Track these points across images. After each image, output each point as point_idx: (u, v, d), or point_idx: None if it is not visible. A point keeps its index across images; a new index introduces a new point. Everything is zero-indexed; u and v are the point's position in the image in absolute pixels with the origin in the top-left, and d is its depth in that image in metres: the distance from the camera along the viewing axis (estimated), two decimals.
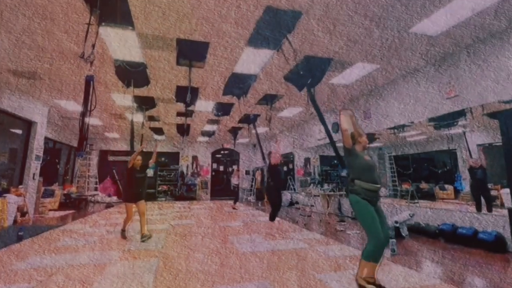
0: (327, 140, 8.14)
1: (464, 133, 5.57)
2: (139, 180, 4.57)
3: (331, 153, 9.86)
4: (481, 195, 4.85)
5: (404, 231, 4.70)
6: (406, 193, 6.79)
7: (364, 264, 2.36)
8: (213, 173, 14.74)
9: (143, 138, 9.62)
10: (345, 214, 7.10)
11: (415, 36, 4.07)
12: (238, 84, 5.93)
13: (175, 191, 13.31)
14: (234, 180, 9.71)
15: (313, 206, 8.10)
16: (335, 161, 9.88)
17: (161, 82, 5.91)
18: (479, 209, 4.77)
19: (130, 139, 7.13)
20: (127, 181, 4.67)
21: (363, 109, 6.69)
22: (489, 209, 4.53)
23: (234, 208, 8.88)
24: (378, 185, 2.48)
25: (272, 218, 4.94)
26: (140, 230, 4.45)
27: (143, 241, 4.29)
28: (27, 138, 7.23)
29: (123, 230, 4.62)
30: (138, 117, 8.24)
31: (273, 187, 5.13)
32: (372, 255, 2.32)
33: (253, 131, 9.07)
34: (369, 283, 2.28)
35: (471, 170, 5.11)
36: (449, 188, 6.72)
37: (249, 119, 9.15)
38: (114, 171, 13.03)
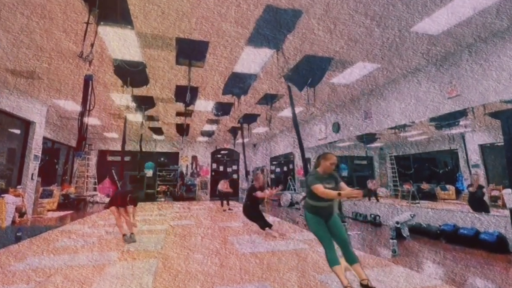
0: (328, 140, 8.17)
1: (463, 136, 5.58)
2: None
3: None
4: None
5: (405, 232, 4.70)
6: (407, 193, 6.78)
7: (333, 270, 2.52)
8: (213, 173, 14.74)
9: (142, 138, 9.62)
10: (346, 215, 7.09)
11: (416, 35, 4.07)
12: (238, 83, 5.93)
13: (174, 192, 13.30)
14: (220, 187, 9.55)
15: None
16: None
17: (160, 82, 5.91)
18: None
19: (123, 138, 7.13)
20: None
21: (364, 109, 6.69)
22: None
23: (224, 210, 8.87)
24: (326, 203, 2.63)
25: (263, 228, 5.01)
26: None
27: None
28: (26, 138, 7.23)
29: (132, 233, 4.50)
30: (138, 117, 8.24)
31: (250, 207, 5.23)
32: (328, 260, 2.54)
33: (254, 131, 9.10)
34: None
35: (471, 193, 5.14)
36: (451, 188, 6.71)
37: (249, 119, 9.15)
38: (113, 171, 13.03)
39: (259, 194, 5.13)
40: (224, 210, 8.80)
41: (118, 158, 13.23)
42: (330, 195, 2.44)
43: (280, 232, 4.96)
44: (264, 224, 4.99)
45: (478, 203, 4.86)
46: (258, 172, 5.63)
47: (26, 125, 7.24)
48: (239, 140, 12.87)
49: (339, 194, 2.37)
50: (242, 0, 3.31)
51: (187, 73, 5.34)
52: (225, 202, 9.19)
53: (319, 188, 2.46)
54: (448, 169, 6.78)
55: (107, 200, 11.45)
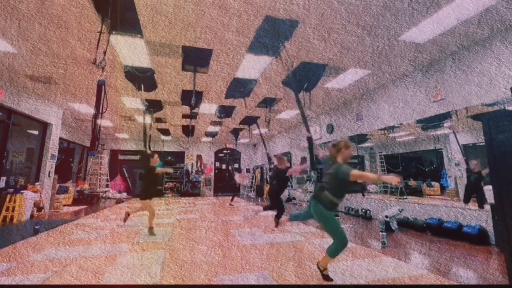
0: (323, 140, 8.17)
1: (455, 134, 5.55)
2: (156, 180, 4.54)
3: (326, 152, 9.87)
4: (474, 194, 4.86)
5: (394, 225, 4.70)
6: (396, 189, 6.78)
7: (327, 258, 2.52)
8: (216, 171, 14.75)
9: (151, 138, 9.62)
10: (339, 209, 7.09)
11: (404, 44, 4.07)
12: (239, 88, 5.93)
13: (180, 188, 13.30)
14: (238, 180, 9.53)
15: (309, 202, 8.08)
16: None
17: (167, 87, 5.91)
18: (466, 201, 4.81)
19: (143, 140, 7.14)
20: (150, 177, 4.52)
21: (355, 112, 6.69)
22: (481, 207, 4.54)
23: (231, 204, 8.86)
24: (342, 199, 2.56)
25: (279, 216, 4.78)
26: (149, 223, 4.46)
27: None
28: (43, 139, 7.23)
29: (151, 228, 4.44)
30: (146, 119, 8.24)
31: (279, 190, 4.86)
32: (335, 253, 2.47)
33: (255, 132, 9.05)
34: (324, 270, 2.55)
35: (469, 172, 5.07)
36: (436, 185, 6.72)
37: (250, 121, 9.15)
38: (124, 169, 13.04)
39: (292, 170, 4.75)
40: (231, 205, 8.78)
41: (129, 157, 13.24)
42: (370, 177, 2.30)
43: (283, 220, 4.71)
44: (280, 215, 4.78)
45: (475, 186, 4.83)
46: (280, 155, 5.33)
47: (44, 126, 7.24)
48: (240, 140, 12.87)
49: (379, 178, 2.24)
50: (243, 11, 3.31)
51: (193, 79, 5.34)
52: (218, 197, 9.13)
53: (358, 172, 2.31)
54: (433, 167, 6.79)
55: (118, 195, 11.48)
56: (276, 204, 4.84)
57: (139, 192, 4.70)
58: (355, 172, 2.28)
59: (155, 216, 4.76)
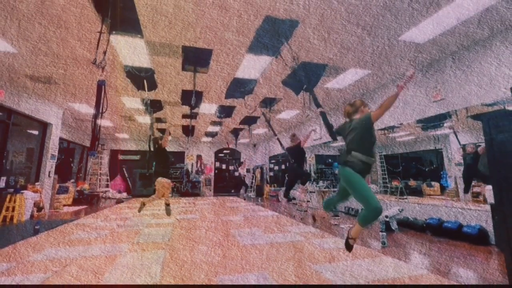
0: (323, 140, 8.17)
1: (455, 132, 5.53)
2: (168, 159, 4.48)
3: (326, 152, 9.88)
4: (472, 178, 4.74)
5: (394, 225, 4.70)
6: (396, 189, 6.78)
7: (358, 226, 2.28)
8: (216, 171, 14.74)
9: (150, 138, 9.61)
10: (339, 210, 7.09)
11: (404, 44, 4.07)
12: (239, 88, 5.93)
13: (180, 188, 13.30)
14: (242, 171, 9.53)
15: (309, 201, 8.08)
16: (330, 160, 9.88)
17: (167, 87, 5.91)
18: (466, 190, 4.74)
19: (148, 138, 7.11)
20: (160, 159, 4.43)
21: None
22: (485, 182, 4.41)
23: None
24: (373, 159, 2.34)
25: (286, 195, 4.74)
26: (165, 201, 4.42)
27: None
28: (43, 139, 7.23)
29: (167, 205, 4.38)
30: (147, 119, 8.24)
31: (298, 167, 4.70)
32: (367, 221, 2.22)
33: (255, 131, 9.05)
34: (352, 239, 2.36)
35: (465, 156, 4.94)
36: (436, 185, 6.72)
37: (250, 121, 9.15)
38: (124, 169, 13.03)
39: (304, 138, 4.69)
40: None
41: (129, 157, 13.24)
42: (389, 101, 2.16)
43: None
44: (287, 193, 4.74)
45: (473, 168, 4.76)
46: (293, 133, 5.22)
47: (44, 126, 7.24)
48: (240, 140, 12.88)
49: (395, 95, 2.13)
50: (243, 11, 3.31)
51: (193, 79, 5.34)
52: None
53: (376, 110, 2.19)
54: (433, 167, 6.79)
55: (118, 195, 11.48)
56: (291, 184, 4.75)
57: (154, 173, 4.57)
58: (375, 111, 2.19)
59: (153, 216, 4.75)
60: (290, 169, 4.82)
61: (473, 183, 5.16)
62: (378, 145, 7.97)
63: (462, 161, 5.35)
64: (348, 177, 2.27)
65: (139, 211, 4.85)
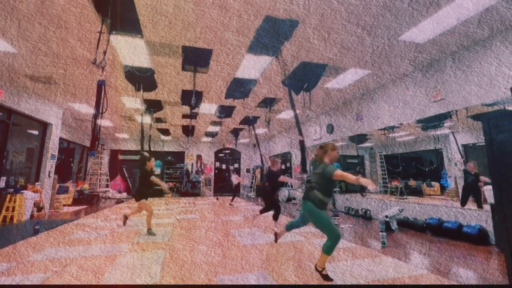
0: (323, 140, 8.17)
1: (453, 134, 5.54)
2: (151, 183, 4.56)
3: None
4: (471, 195, 4.85)
5: (394, 225, 4.70)
6: (396, 189, 6.78)
7: (324, 256, 2.56)
8: (216, 171, 14.75)
9: (150, 138, 9.62)
10: (339, 209, 7.09)
11: (404, 44, 4.07)
12: (239, 88, 5.93)
13: (180, 188, 13.30)
14: (235, 181, 9.71)
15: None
16: None
17: (167, 87, 5.91)
18: (463, 203, 4.79)
19: (140, 140, 7.15)
20: (144, 180, 4.52)
21: (355, 112, 6.69)
22: (480, 206, 4.54)
23: (231, 204, 8.85)
24: (330, 198, 2.69)
25: (276, 218, 4.84)
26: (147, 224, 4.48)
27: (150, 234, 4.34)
28: (43, 139, 7.23)
29: (149, 229, 4.46)
30: (146, 119, 8.24)
31: (271, 191, 4.93)
32: (331, 249, 2.52)
33: (253, 132, 9.11)
34: (323, 270, 2.58)
35: (467, 173, 5.04)
36: (436, 185, 6.71)
37: (249, 121, 9.15)
38: (124, 169, 13.04)
39: (283, 178, 4.76)
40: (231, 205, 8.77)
41: (129, 157, 13.24)
42: (350, 179, 2.33)
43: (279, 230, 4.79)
44: (277, 216, 4.82)
45: (471, 188, 4.82)
46: (274, 157, 5.35)
47: (44, 126, 7.24)
48: (240, 140, 12.88)
49: (357, 180, 2.28)
50: (243, 11, 3.31)
51: (193, 79, 5.34)
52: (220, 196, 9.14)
53: (340, 172, 2.43)
54: (433, 167, 6.78)
55: (118, 195, 11.48)
56: (271, 205, 4.89)
57: (134, 193, 4.72)
58: (338, 172, 2.45)
59: (154, 216, 4.75)
60: (265, 193, 5.10)
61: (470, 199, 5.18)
62: (378, 145, 7.98)
63: (462, 165, 5.38)
64: (310, 211, 2.64)
65: (124, 224, 4.89)
